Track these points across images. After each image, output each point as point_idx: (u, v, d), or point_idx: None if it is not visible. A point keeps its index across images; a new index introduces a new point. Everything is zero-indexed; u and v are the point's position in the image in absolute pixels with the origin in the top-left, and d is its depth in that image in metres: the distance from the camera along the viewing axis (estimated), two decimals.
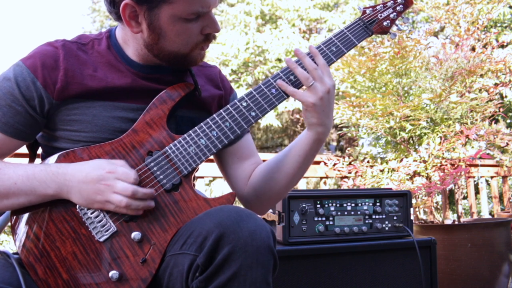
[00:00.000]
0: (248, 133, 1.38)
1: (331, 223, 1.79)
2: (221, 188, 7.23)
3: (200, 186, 3.17)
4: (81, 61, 1.17)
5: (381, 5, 1.30)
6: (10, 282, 0.99)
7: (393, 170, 3.22)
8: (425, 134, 3.13)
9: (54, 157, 1.13)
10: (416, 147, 3.19)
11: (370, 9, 1.30)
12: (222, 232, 0.94)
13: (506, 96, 6.39)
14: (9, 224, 1.16)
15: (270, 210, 1.80)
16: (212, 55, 9.81)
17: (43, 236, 1.08)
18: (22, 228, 1.10)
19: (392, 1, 1.30)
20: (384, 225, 1.87)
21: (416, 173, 3.11)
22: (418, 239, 1.84)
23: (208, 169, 2.85)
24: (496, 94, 3.26)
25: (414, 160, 3.08)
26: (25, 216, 1.10)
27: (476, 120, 3.14)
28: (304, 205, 1.75)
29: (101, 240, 1.07)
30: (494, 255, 2.57)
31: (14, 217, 1.11)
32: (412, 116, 3.01)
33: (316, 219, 1.77)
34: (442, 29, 7.86)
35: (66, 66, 1.14)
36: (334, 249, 1.75)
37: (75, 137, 1.15)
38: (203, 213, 1.05)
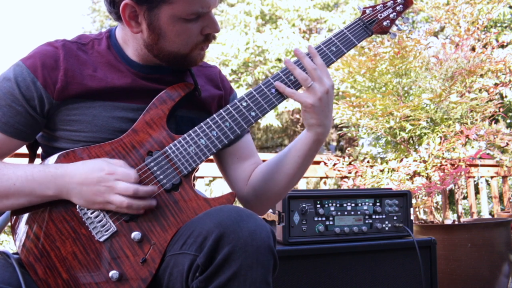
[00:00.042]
0: (248, 133, 1.38)
1: (331, 223, 1.79)
2: (221, 188, 7.23)
3: (200, 186, 3.17)
4: (81, 61, 1.17)
5: (381, 5, 1.30)
6: (10, 282, 0.99)
7: (393, 170, 3.22)
8: (425, 134, 3.13)
9: (54, 157, 1.13)
10: (416, 147, 3.19)
11: (370, 9, 1.30)
12: (222, 232, 0.94)
13: (506, 96, 6.39)
14: (9, 224, 1.16)
15: (270, 210, 1.80)
16: (212, 55, 9.81)
17: (43, 236, 1.08)
18: (22, 228, 1.10)
19: (392, 1, 1.30)
20: (384, 225, 1.87)
21: (416, 173, 3.11)
22: (418, 239, 1.84)
23: (208, 169, 2.85)
24: (496, 94, 3.26)
25: (414, 160, 3.08)
26: (25, 216, 1.10)
27: (476, 120, 3.14)
28: (304, 205, 1.75)
29: (101, 240, 1.07)
30: (494, 255, 2.57)
31: (14, 217, 1.11)
32: (412, 116, 3.01)
33: (316, 219, 1.77)
34: (442, 29, 7.86)
35: (66, 66, 1.14)
36: (334, 249, 1.75)
37: (75, 137, 1.15)
38: (203, 213, 1.05)
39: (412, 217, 1.92)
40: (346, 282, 1.75)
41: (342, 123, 3.43)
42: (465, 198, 4.21)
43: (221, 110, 1.18)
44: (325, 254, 1.73)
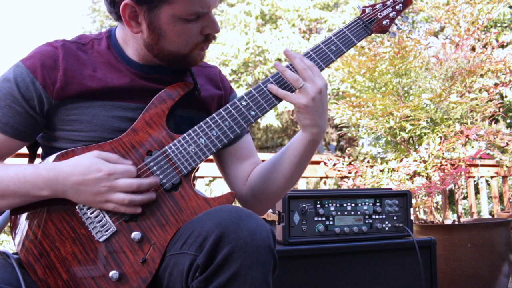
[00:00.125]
0: (247, 133, 1.38)
1: (331, 223, 1.79)
2: (221, 188, 7.23)
3: (200, 186, 3.17)
4: (80, 61, 1.16)
5: (380, 4, 1.30)
6: (9, 282, 0.99)
7: (393, 170, 3.22)
8: (425, 134, 3.13)
9: (53, 157, 1.13)
10: (416, 147, 3.19)
11: (370, 8, 1.29)
12: (222, 232, 0.93)
13: (506, 96, 6.39)
14: (9, 224, 1.15)
15: (270, 210, 1.80)
16: (212, 55, 9.81)
17: (42, 236, 1.07)
18: (21, 228, 1.10)
19: (391, 0, 1.30)
20: (384, 225, 1.87)
21: (416, 173, 3.11)
22: (418, 239, 1.84)
23: (208, 169, 2.85)
24: (496, 94, 3.26)
25: (414, 160, 3.08)
26: (25, 216, 1.10)
27: (476, 120, 3.14)
28: (304, 205, 1.75)
29: (101, 240, 1.07)
30: (494, 255, 2.56)
31: (14, 217, 1.11)
32: (412, 116, 3.01)
33: (316, 219, 1.77)
34: (442, 29, 7.86)
35: (66, 66, 1.14)
36: (334, 249, 1.74)
37: (74, 137, 1.15)
38: (203, 213, 1.05)
39: (412, 217, 1.92)
40: (346, 282, 1.74)
41: (342, 123, 3.43)
42: (465, 198, 4.21)
43: (220, 110, 1.18)
44: (325, 254, 1.73)
